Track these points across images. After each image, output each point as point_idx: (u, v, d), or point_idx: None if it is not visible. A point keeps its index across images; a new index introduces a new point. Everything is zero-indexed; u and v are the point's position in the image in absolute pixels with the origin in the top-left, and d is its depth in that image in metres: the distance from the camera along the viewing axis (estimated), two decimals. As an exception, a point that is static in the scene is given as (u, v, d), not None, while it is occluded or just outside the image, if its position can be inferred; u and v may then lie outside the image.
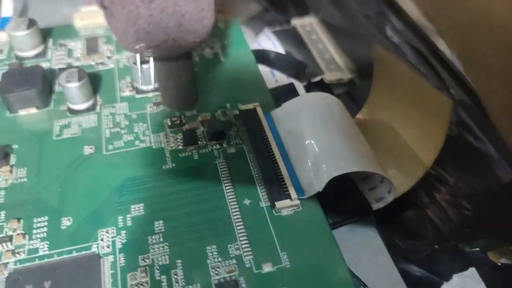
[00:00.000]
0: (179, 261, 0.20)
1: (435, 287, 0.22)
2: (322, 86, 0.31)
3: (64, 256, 0.20)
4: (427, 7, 0.14)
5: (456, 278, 0.21)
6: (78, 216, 0.22)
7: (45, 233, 0.21)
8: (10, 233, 0.21)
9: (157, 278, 0.19)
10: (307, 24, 0.35)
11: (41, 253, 0.20)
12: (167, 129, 0.25)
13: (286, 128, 0.24)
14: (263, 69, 0.31)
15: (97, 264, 0.20)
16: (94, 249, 0.20)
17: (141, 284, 0.19)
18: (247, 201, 0.22)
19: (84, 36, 0.32)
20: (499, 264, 0.22)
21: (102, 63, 0.30)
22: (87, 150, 0.24)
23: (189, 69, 0.19)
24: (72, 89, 0.25)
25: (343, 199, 0.24)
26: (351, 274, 0.20)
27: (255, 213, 0.22)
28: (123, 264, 0.20)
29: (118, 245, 0.20)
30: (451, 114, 0.22)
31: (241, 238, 0.21)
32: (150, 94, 0.27)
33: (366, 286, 0.21)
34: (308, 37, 0.34)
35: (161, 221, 0.21)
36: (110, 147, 0.25)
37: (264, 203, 0.22)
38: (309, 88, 0.31)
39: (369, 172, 0.23)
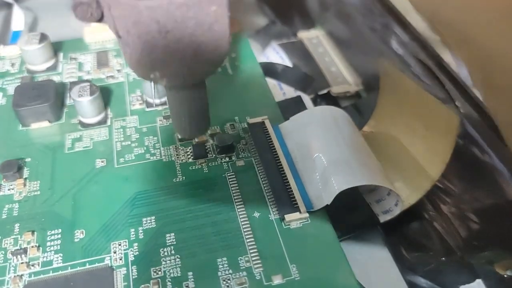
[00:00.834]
0: (190, 273, 0.20)
1: (442, 299, 0.22)
2: (329, 99, 0.31)
3: (78, 268, 0.21)
4: (449, 39, 0.14)
5: (462, 290, 0.22)
6: (91, 229, 0.22)
7: (58, 246, 0.21)
8: (24, 245, 0.21)
9: (169, 290, 0.20)
10: (313, 37, 0.36)
11: (55, 265, 0.21)
12: (177, 142, 0.26)
13: (294, 141, 0.25)
14: (271, 82, 0.32)
15: (110, 276, 0.20)
16: (107, 261, 0.21)
17: (154, 296, 0.20)
18: (256, 214, 0.22)
19: (94, 50, 0.32)
20: (505, 276, 0.22)
21: (112, 77, 0.30)
22: (99, 163, 0.25)
23: (203, 97, 0.19)
24: (84, 103, 0.26)
25: (351, 212, 0.24)
26: (359, 286, 0.20)
27: (264, 226, 0.22)
28: (136, 276, 0.20)
29: (131, 258, 0.21)
30: (458, 128, 0.22)
31: (251, 251, 0.21)
32: (160, 108, 0.28)
33: (374, 298, 0.22)
34: (315, 50, 0.34)
35: (172, 234, 0.22)
36: (121, 160, 0.25)
37: (273, 216, 0.22)
38: (316, 100, 0.31)
39: (377, 185, 0.23)
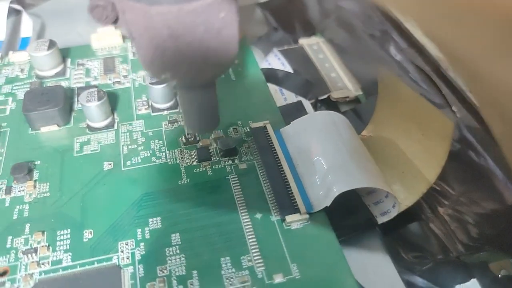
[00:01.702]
0: (195, 272, 0.21)
1: (438, 297, 0.23)
2: (329, 104, 0.32)
3: (87, 267, 0.21)
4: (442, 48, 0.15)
5: (458, 288, 0.22)
6: (99, 229, 0.23)
7: (68, 245, 0.22)
8: (35, 245, 0.22)
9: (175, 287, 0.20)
10: (314, 44, 0.37)
11: (64, 264, 0.22)
12: (181, 146, 0.27)
13: (295, 145, 0.26)
14: (272, 87, 0.32)
15: (118, 274, 0.21)
16: (114, 260, 0.22)
17: (160, 294, 0.20)
18: (258, 215, 0.23)
19: (101, 56, 0.33)
20: (499, 275, 0.23)
21: (118, 82, 0.31)
22: (107, 166, 0.26)
23: (212, 96, 0.20)
24: (92, 108, 0.27)
25: (350, 213, 0.25)
26: (358, 285, 0.21)
27: (266, 227, 0.23)
28: (142, 275, 0.21)
29: (138, 257, 0.22)
30: (453, 133, 0.23)
31: (253, 250, 0.22)
32: (165, 112, 0.29)
33: (372, 296, 0.22)
34: (315, 56, 0.35)
35: (177, 234, 0.22)
36: (128, 163, 0.26)
37: (274, 217, 0.23)
38: (316, 105, 0.32)
39: (375, 188, 0.24)
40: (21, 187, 0.25)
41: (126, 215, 0.23)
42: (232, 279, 0.21)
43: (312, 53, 0.36)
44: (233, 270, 0.21)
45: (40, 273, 0.21)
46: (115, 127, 0.28)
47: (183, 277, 0.21)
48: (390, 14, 0.37)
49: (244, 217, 0.23)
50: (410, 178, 0.25)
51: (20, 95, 0.30)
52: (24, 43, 0.36)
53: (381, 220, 0.24)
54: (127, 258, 0.22)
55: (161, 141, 0.27)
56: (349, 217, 0.25)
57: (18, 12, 0.39)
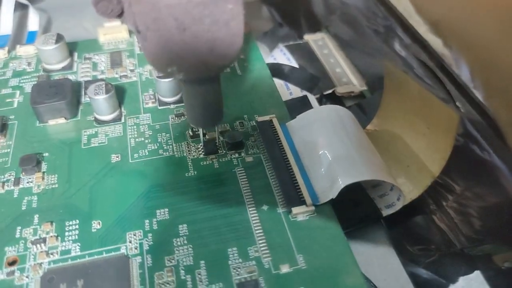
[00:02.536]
0: (202, 262, 0.21)
1: (442, 289, 0.23)
2: (334, 99, 0.32)
3: (95, 257, 0.22)
4: (451, 41, 0.15)
5: (462, 280, 0.23)
6: (107, 220, 0.23)
7: (76, 236, 0.22)
8: (43, 235, 0.22)
9: (182, 277, 0.21)
10: (319, 39, 0.37)
11: (73, 254, 0.22)
12: (188, 139, 0.27)
13: (301, 139, 0.26)
14: (278, 82, 0.33)
15: (126, 264, 0.21)
16: (123, 250, 0.22)
17: (168, 283, 0.21)
18: (265, 207, 0.23)
19: (108, 50, 0.34)
20: (502, 267, 0.23)
21: (125, 76, 0.31)
22: (114, 158, 0.26)
23: (217, 90, 0.20)
24: (99, 101, 0.27)
25: (355, 206, 0.25)
26: (363, 276, 0.21)
27: (272, 218, 0.23)
28: (150, 265, 0.21)
29: (145, 247, 0.22)
30: (458, 126, 0.23)
31: (260, 241, 0.22)
32: (172, 106, 0.29)
33: (376, 287, 0.23)
34: (320, 51, 0.35)
35: (185, 225, 0.23)
36: (136, 155, 0.26)
37: (281, 209, 0.23)
38: (321, 100, 0.32)
39: (380, 180, 0.24)
40: (30, 178, 0.25)
41: (134, 206, 0.24)
42: (239, 269, 0.21)
43: (317, 48, 0.36)
44: (240, 260, 0.21)
45: (49, 263, 0.21)
46: (122, 120, 0.28)
47: (191, 267, 0.21)
48: (395, 10, 0.37)
49: (250, 209, 0.23)
50: (415, 171, 0.25)
51: (28, 88, 0.30)
52: (31, 37, 0.36)
53: (386, 212, 0.24)
54: (135, 248, 0.22)
55: (168, 134, 0.27)
56: (355, 209, 0.25)
57: (24, 7, 0.39)
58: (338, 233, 0.22)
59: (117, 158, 0.26)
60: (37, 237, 0.22)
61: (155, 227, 0.23)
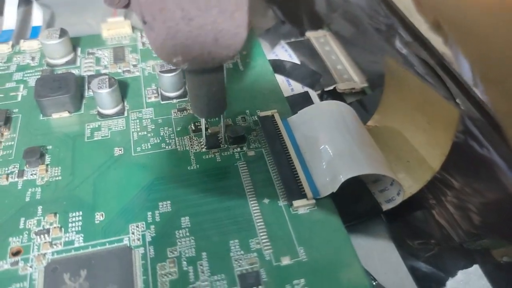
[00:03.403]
0: (204, 253, 0.21)
1: (441, 282, 0.23)
2: (335, 95, 0.32)
3: (98, 248, 0.22)
4: (451, 33, 0.15)
5: (460, 274, 0.23)
6: (110, 212, 0.23)
7: (80, 227, 0.23)
8: (47, 226, 0.23)
9: (185, 268, 0.21)
10: (320, 36, 0.37)
11: (76, 245, 0.22)
12: (191, 133, 0.27)
13: (302, 133, 0.26)
14: (280, 78, 0.33)
15: (129, 255, 0.21)
16: (125, 241, 0.22)
17: (170, 274, 0.21)
18: (266, 200, 0.24)
19: (111, 45, 0.34)
20: (501, 262, 0.23)
21: (128, 71, 0.32)
22: (117, 151, 0.26)
23: (221, 80, 0.20)
24: (103, 94, 0.27)
25: (355, 200, 0.25)
26: (363, 269, 0.21)
27: (273, 211, 0.23)
28: (153, 256, 0.21)
29: (148, 238, 0.22)
30: (458, 121, 0.23)
31: (261, 234, 0.22)
32: (174, 101, 0.29)
33: (376, 281, 0.23)
34: (322, 48, 0.36)
35: (187, 217, 0.23)
36: (138, 149, 0.26)
37: (282, 202, 0.23)
38: (322, 96, 0.32)
39: (380, 175, 0.24)
40: (33, 170, 0.25)
41: (136, 198, 0.24)
42: (240, 261, 0.21)
43: (319, 45, 0.36)
44: (242, 252, 0.22)
45: (53, 253, 0.22)
46: (125, 114, 0.28)
47: (193, 258, 0.21)
48: (396, 9, 0.37)
49: (252, 202, 0.24)
50: (415, 166, 0.25)
51: (31, 82, 0.31)
52: (35, 32, 0.36)
53: (386, 207, 0.25)
54: (138, 240, 0.22)
55: (170, 128, 0.27)
56: (355, 203, 0.25)
57: (28, 2, 0.40)
58: (339, 226, 0.23)
59: (120, 152, 0.26)
60: (41, 228, 0.23)
61: (157, 219, 0.23)
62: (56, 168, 0.25)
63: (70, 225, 0.23)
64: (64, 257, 0.22)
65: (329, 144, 0.24)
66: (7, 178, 0.25)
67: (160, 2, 0.17)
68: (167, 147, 0.26)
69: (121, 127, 0.28)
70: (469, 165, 0.28)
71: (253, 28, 0.35)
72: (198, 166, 0.25)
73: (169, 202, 0.24)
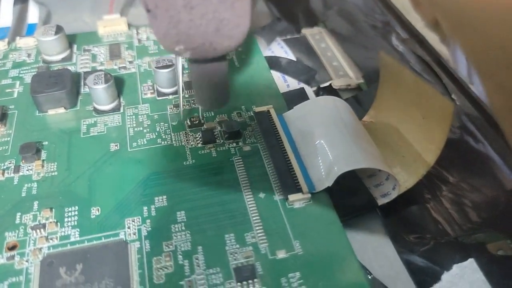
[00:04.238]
0: (200, 247, 0.22)
1: (436, 276, 0.23)
2: (331, 91, 0.32)
3: (94, 242, 0.22)
4: (447, 26, 0.16)
5: (456, 268, 0.23)
6: (106, 206, 0.23)
7: (75, 222, 0.23)
8: (43, 221, 0.23)
9: (180, 262, 0.21)
10: (316, 33, 0.37)
11: (72, 239, 0.22)
12: (186, 129, 0.27)
13: (297, 128, 0.26)
14: (275, 74, 0.33)
15: (125, 249, 0.22)
16: (121, 236, 0.22)
17: (166, 268, 0.21)
18: (262, 195, 0.24)
19: (107, 42, 0.34)
20: (496, 255, 0.23)
21: (124, 67, 0.32)
22: (113, 147, 0.26)
23: (223, 71, 0.21)
24: (99, 90, 0.27)
25: (351, 195, 0.25)
26: (358, 262, 0.21)
27: (269, 205, 0.23)
28: (149, 250, 0.22)
29: (144, 233, 0.22)
30: (453, 116, 0.24)
31: (257, 228, 0.22)
32: (170, 97, 0.29)
33: (372, 274, 0.23)
34: (318, 45, 0.36)
35: (183, 212, 0.23)
36: (134, 144, 0.26)
37: (277, 197, 0.24)
38: (318, 92, 0.33)
39: (375, 170, 0.24)
40: (29, 166, 0.25)
41: (132, 193, 0.24)
42: (236, 254, 0.21)
43: (315, 42, 0.36)
44: (237, 246, 0.22)
45: (49, 248, 0.22)
46: (121, 110, 0.28)
47: (189, 252, 0.21)
48: (392, 6, 0.37)
49: (247, 196, 0.24)
50: (410, 161, 0.25)
51: (27, 79, 0.31)
52: (31, 29, 0.37)
53: (381, 201, 0.25)
54: (134, 234, 0.22)
55: (166, 124, 0.27)
56: (350, 198, 0.25)
57: (24, 0, 0.40)
58: (334, 221, 0.23)
59: (116, 147, 0.26)
60: (37, 222, 0.23)
61: (153, 213, 0.23)
62: (52, 164, 0.25)
63: (66, 219, 0.23)
64: (60, 251, 0.22)
65: (325, 139, 0.24)
66: (3, 174, 0.25)
67: None
68: (163, 142, 0.26)
69: (117, 123, 0.28)
70: (465, 160, 0.28)
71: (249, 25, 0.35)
72: (194, 161, 0.25)
73: (165, 196, 0.24)
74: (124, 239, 0.22)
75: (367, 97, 0.31)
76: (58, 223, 0.23)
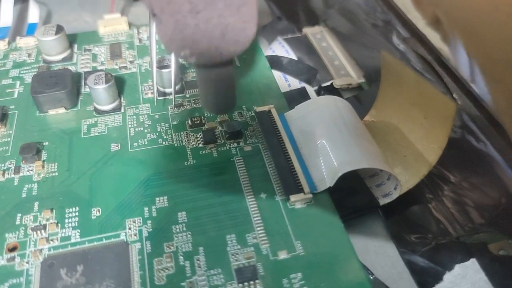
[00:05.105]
0: (201, 248, 0.21)
1: (438, 276, 0.23)
2: (332, 91, 0.32)
3: (95, 243, 0.22)
4: (450, 27, 0.15)
5: (457, 268, 0.23)
6: (107, 207, 0.23)
7: (76, 222, 0.23)
8: (43, 222, 0.23)
9: (181, 263, 0.21)
10: (317, 32, 0.37)
11: (73, 240, 0.22)
12: (187, 129, 0.27)
13: (299, 128, 0.26)
14: (277, 74, 0.33)
15: (126, 250, 0.21)
16: (122, 237, 0.22)
17: (167, 269, 0.21)
18: (263, 195, 0.24)
19: (107, 42, 0.34)
20: (498, 255, 0.23)
21: (125, 67, 0.32)
22: (114, 147, 0.26)
23: (229, 75, 0.20)
24: (99, 90, 0.27)
25: (352, 195, 0.25)
26: (360, 263, 0.21)
27: (270, 206, 0.23)
28: (150, 251, 0.21)
29: (145, 234, 0.22)
30: (455, 116, 0.23)
31: (258, 228, 0.22)
32: (171, 96, 0.29)
33: (373, 275, 0.23)
34: (319, 44, 0.36)
35: (184, 212, 0.23)
36: (135, 144, 0.26)
37: (279, 197, 0.23)
38: (319, 92, 0.32)
39: (377, 170, 0.24)
40: (30, 167, 0.25)
41: (133, 194, 0.24)
42: (237, 255, 0.21)
43: (316, 41, 0.36)
44: (239, 246, 0.21)
45: (49, 249, 0.22)
46: (122, 110, 0.28)
47: (190, 253, 0.21)
48: (393, 5, 0.37)
49: (249, 197, 0.23)
50: (412, 161, 0.25)
51: (28, 79, 0.31)
52: (31, 29, 0.36)
53: (382, 201, 0.25)
54: (135, 235, 0.22)
55: (167, 124, 0.27)
56: (352, 198, 0.25)
57: (25, -1, 0.40)
58: (336, 221, 0.23)
59: (117, 147, 0.26)
60: (37, 224, 0.23)
61: (154, 214, 0.23)
62: (53, 164, 0.25)
63: (66, 220, 0.23)
64: (61, 252, 0.22)
65: (326, 139, 0.24)
66: (3, 174, 0.25)
67: None
68: (164, 142, 0.26)
69: (118, 123, 0.28)
70: (466, 160, 0.28)
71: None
72: (195, 161, 0.25)
73: (166, 197, 0.24)
74: (125, 240, 0.22)
75: (369, 97, 0.31)
76: (59, 224, 0.23)
